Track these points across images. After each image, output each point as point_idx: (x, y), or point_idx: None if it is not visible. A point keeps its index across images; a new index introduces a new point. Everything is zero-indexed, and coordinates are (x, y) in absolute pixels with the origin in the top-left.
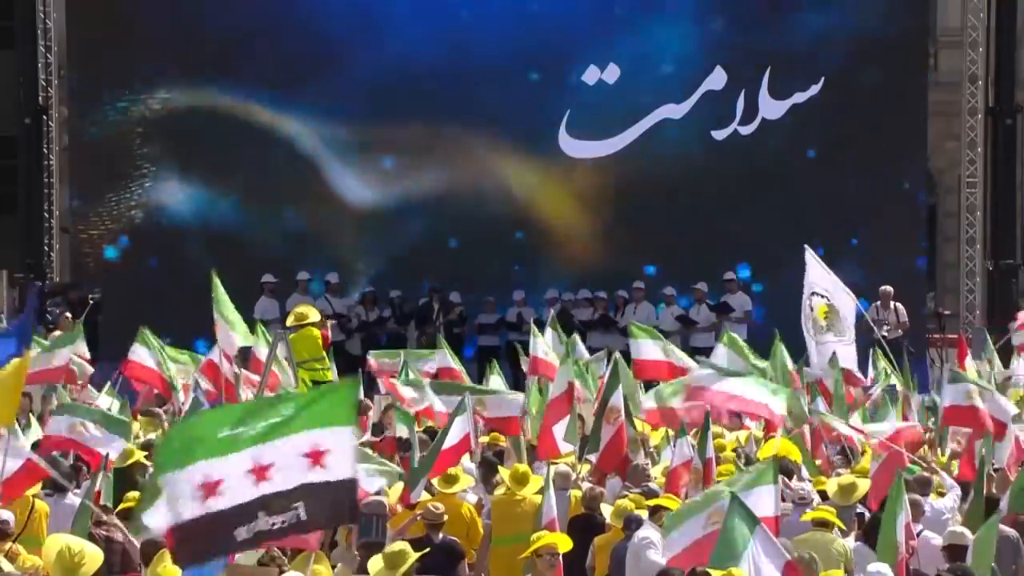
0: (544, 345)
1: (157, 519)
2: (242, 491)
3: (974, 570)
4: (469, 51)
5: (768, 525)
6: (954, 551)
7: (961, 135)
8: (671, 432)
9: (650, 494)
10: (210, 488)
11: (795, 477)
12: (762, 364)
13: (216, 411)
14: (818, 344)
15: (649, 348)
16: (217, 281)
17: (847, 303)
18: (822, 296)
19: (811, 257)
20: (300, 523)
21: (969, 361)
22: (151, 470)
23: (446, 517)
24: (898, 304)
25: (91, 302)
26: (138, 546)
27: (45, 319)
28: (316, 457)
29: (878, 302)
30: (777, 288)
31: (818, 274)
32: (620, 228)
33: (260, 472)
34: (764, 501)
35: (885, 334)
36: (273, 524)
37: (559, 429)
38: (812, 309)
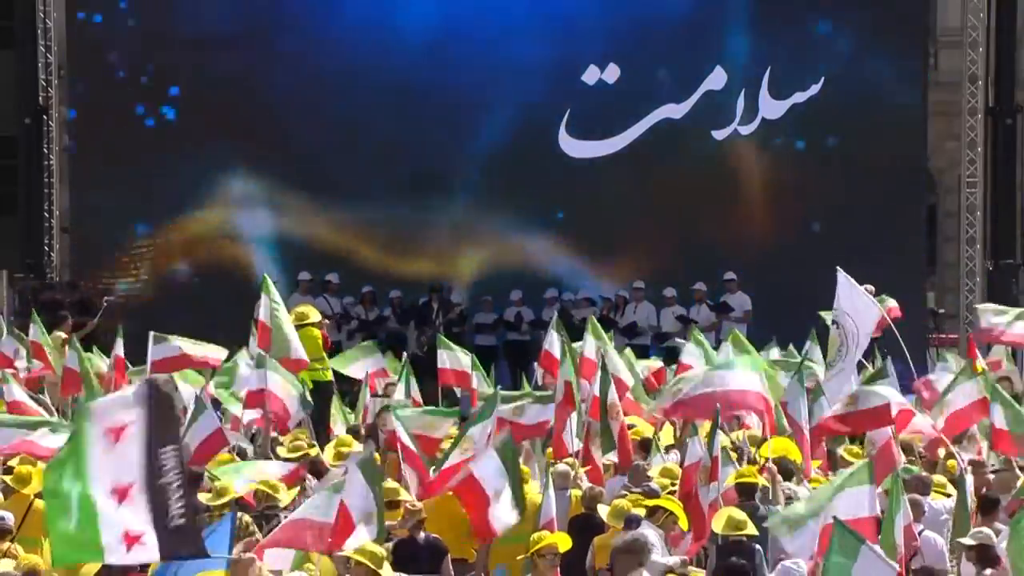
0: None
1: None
2: (141, 518)
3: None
4: (470, 52)
5: (867, 527)
6: (983, 552)
7: (961, 135)
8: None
9: (651, 494)
10: (131, 540)
11: (795, 479)
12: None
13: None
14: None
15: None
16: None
17: (866, 321)
18: (838, 325)
19: (843, 278)
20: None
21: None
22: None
23: (425, 514)
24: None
25: (105, 304)
26: None
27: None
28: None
29: None
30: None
31: (846, 294)
32: (619, 228)
33: (123, 492)
34: (862, 502)
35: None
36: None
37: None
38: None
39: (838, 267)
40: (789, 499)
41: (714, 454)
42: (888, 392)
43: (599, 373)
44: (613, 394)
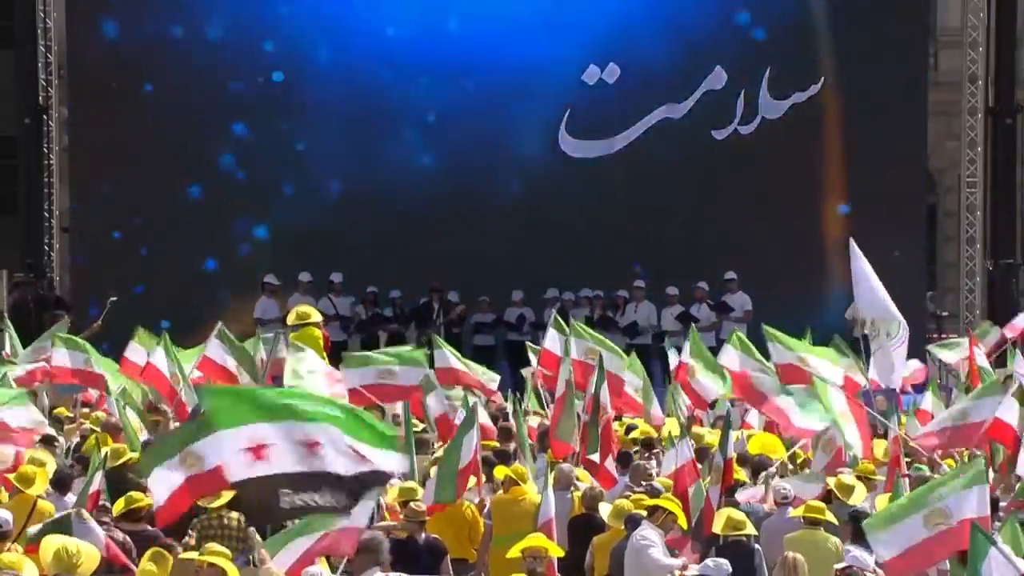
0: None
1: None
2: (291, 460)
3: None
4: (470, 52)
5: (983, 525)
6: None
7: (961, 135)
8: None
9: (652, 493)
10: (256, 451)
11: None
12: (770, 364)
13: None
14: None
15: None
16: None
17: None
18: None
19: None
20: (347, 509)
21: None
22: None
23: (428, 516)
24: None
25: (109, 305)
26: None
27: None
28: (361, 457)
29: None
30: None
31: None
32: (619, 228)
33: (312, 446)
34: (977, 501)
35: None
36: (334, 503)
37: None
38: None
39: (851, 239)
40: (784, 498)
41: (728, 456)
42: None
43: (596, 373)
44: (605, 394)
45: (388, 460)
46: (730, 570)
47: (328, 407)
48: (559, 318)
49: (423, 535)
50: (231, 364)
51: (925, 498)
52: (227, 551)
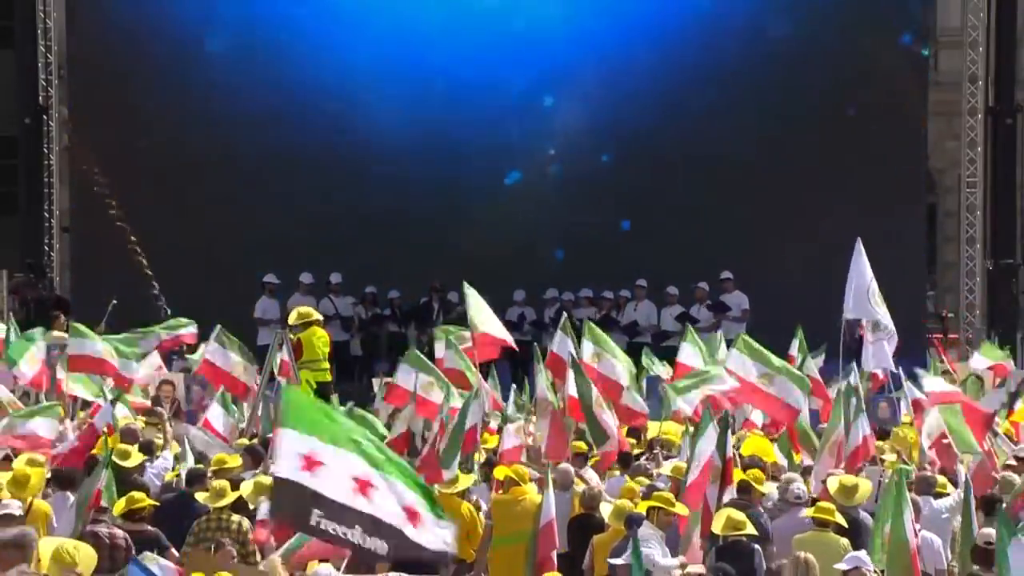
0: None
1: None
2: (337, 488)
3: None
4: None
5: None
6: (983, 554)
7: (961, 135)
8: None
9: (648, 493)
10: (310, 462)
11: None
12: (778, 363)
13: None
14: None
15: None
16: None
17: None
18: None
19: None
20: (378, 556)
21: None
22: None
23: None
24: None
25: (111, 308)
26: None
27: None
28: (412, 517)
29: None
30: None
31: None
32: (619, 227)
33: (364, 485)
34: None
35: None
36: (361, 543)
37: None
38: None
39: (858, 239)
40: (798, 498)
41: (728, 456)
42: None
43: (571, 374)
44: (594, 391)
45: (438, 531)
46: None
47: (395, 462)
48: (567, 323)
49: None
50: (232, 364)
51: None
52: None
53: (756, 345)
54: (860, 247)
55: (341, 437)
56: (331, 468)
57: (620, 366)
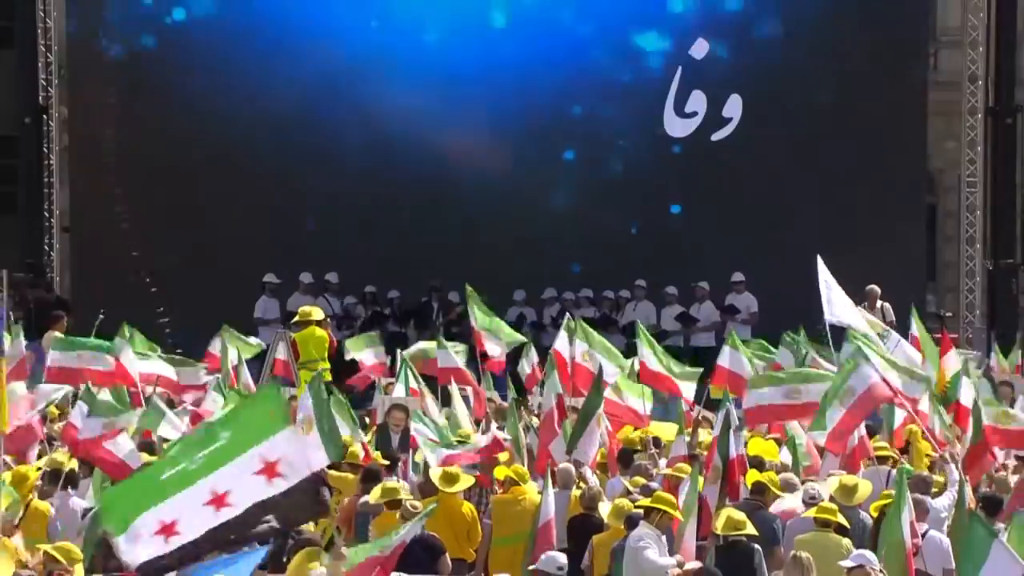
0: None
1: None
2: (203, 522)
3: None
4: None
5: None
6: None
7: (961, 135)
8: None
9: (647, 493)
10: (167, 529)
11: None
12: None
13: (151, 465)
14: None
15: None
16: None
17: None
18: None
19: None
20: (277, 530)
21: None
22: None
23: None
24: (885, 304)
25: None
26: None
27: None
28: (270, 470)
29: (865, 303)
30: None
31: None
32: (619, 227)
33: (219, 500)
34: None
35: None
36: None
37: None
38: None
39: (818, 256)
40: (812, 498)
41: (739, 452)
42: None
43: (544, 378)
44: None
45: (284, 443)
46: None
47: (212, 442)
48: (571, 322)
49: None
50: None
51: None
52: None
53: (744, 346)
54: (821, 264)
55: (168, 486)
56: (185, 516)
57: (611, 367)
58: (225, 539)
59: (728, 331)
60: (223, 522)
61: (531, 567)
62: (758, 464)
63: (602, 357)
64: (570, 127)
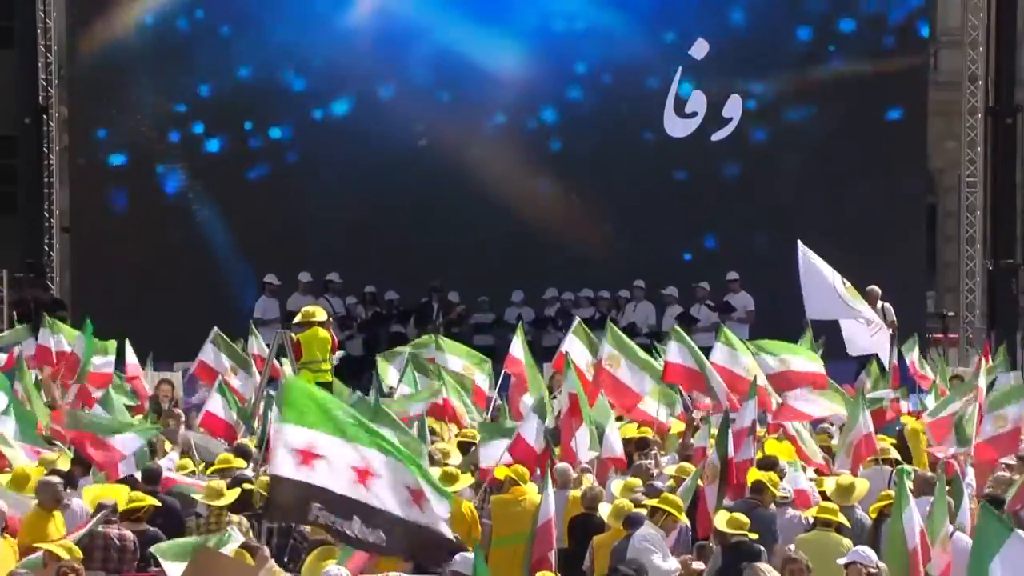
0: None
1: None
2: (336, 480)
3: None
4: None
5: None
6: None
7: (961, 135)
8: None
9: (652, 493)
10: (308, 457)
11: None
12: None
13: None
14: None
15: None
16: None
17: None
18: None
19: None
20: (380, 547)
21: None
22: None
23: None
24: (886, 304)
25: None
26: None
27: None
28: (417, 497)
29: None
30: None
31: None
32: (619, 228)
33: (363, 474)
34: None
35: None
36: (359, 534)
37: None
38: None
39: (799, 241)
40: (784, 498)
41: (729, 456)
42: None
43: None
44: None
45: (440, 506)
46: None
47: (394, 444)
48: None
49: None
50: (224, 368)
51: None
52: None
53: (739, 342)
54: (802, 248)
55: (339, 426)
56: (330, 460)
57: (642, 373)
58: (349, 514)
59: (722, 330)
60: (351, 497)
61: (450, 569)
62: (771, 464)
63: (633, 364)
64: (569, 127)
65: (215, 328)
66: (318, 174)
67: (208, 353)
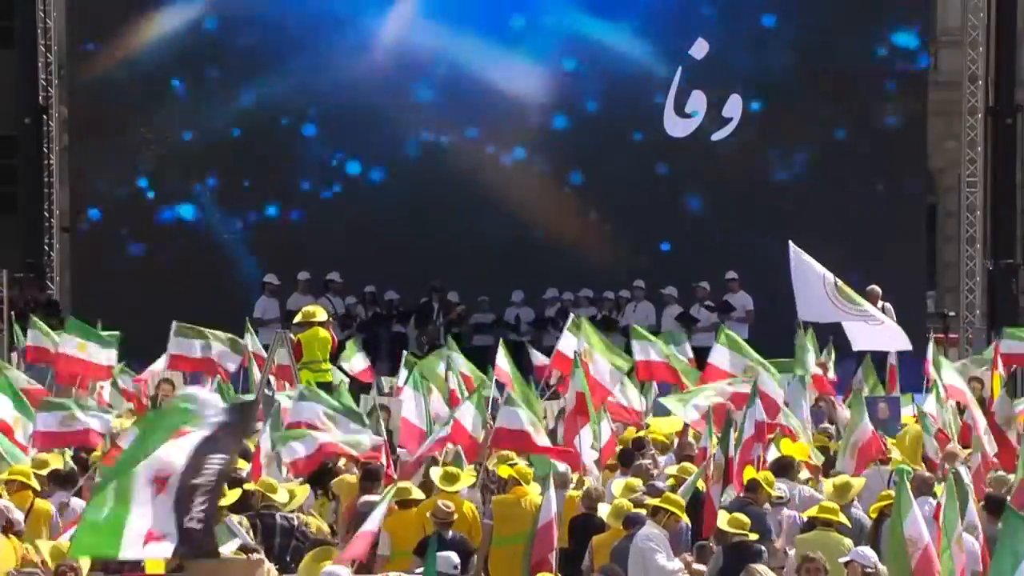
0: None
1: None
2: (165, 509)
3: None
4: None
5: None
6: None
7: (961, 135)
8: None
9: (654, 492)
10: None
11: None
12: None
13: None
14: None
15: (649, 349)
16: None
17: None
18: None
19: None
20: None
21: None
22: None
23: (456, 516)
24: (887, 304)
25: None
26: None
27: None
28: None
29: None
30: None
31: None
32: (619, 228)
33: (161, 482)
34: None
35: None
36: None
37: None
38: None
39: (790, 241)
40: (779, 498)
41: (729, 455)
42: None
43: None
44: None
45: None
46: None
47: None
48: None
49: (451, 533)
50: (199, 350)
51: None
52: None
53: (739, 339)
54: (793, 248)
55: (138, 452)
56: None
57: (609, 367)
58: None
59: (722, 330)
60: (183, 485)
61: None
62: (787, 465)
63: (602, 357)
64: (570, 127)
65: (174, 322)
66: (319, 172)
67: (178, 346)
